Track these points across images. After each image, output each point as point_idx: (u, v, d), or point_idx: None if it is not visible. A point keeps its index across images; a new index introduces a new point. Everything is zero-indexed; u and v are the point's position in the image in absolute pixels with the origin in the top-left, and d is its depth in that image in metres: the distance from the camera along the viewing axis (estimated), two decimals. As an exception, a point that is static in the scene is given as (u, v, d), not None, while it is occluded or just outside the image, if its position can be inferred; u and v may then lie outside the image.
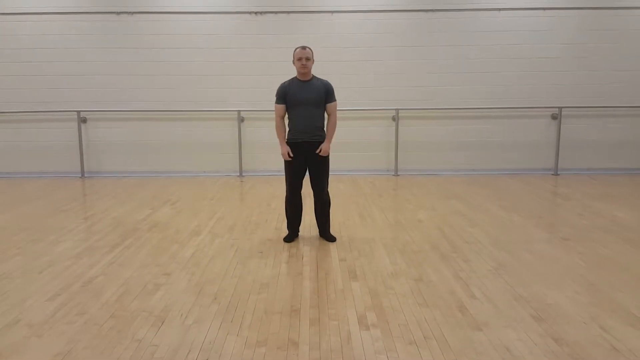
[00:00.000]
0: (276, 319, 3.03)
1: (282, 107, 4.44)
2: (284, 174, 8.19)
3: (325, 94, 4.40)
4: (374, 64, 8.15)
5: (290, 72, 8.10)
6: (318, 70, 8.05)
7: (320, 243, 4.55)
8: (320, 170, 4.46)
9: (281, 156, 4.49)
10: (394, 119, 8.22)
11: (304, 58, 4.29)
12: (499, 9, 7.97)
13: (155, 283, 3.62)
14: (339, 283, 3.59)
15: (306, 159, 4.47)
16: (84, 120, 8.26)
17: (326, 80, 4.46)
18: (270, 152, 8.35)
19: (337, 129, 8.11)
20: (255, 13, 8.03)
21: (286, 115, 4.51)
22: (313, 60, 4.35)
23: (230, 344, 2.74)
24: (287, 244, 4.52)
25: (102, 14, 8.00)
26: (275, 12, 8.02)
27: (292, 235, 4.66)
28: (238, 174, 8.36)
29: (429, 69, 8.15)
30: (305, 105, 4.35)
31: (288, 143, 4.46)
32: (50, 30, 8.03)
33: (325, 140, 4.47)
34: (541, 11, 7.98)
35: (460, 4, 7.99)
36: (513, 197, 6.46)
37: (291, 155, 4.43)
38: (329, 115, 4.50)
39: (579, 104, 8.20)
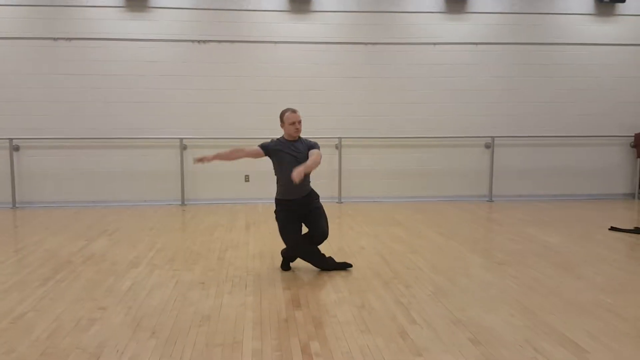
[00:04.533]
0: (218, 351, 2.98)
1: (261, 152, 4.49)
2: (231, 203, 8.16)
3: (308, 150, 4.48)
4: (317, 93, 8.30)
5: (233, 100, 8.17)
6: (261, 99, 8.14)
7: (265, 272, 4.52)
8: (316, 215, 4.50)
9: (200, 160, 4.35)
10: (336, 147, 8.36)
11: (297, 122, 4.44)
12: (434, 43, 8.35)
13: (90, 318, 3.47)
14: (282, 312, 3.57)
15: (299, 216, 4.51)
16: (17, 149, 7.91)
17: (313, 141, 4.58)
18: (213, 180, 8.27)
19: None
20: (199, 42, 8.04)
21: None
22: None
23: (169, 380, 2.66)
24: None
25: (37, 39, 7.76)
26: (219, 42, 8.06)
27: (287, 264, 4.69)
28: (180, 202, 8.21)
29: (370, 99, 8.39)
30: (295, 163, 4.33)
31: (280, 200, 4.52)
32: (-20, 55, 7.71)
33: (301, 165, 4.14)
34: (473, 46, 8.43)
35: (397, 38, 8.31)
36: (451, 223, 6.67)
37: (205, 160, 4.36)
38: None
39: (510, 133, 8.64)
